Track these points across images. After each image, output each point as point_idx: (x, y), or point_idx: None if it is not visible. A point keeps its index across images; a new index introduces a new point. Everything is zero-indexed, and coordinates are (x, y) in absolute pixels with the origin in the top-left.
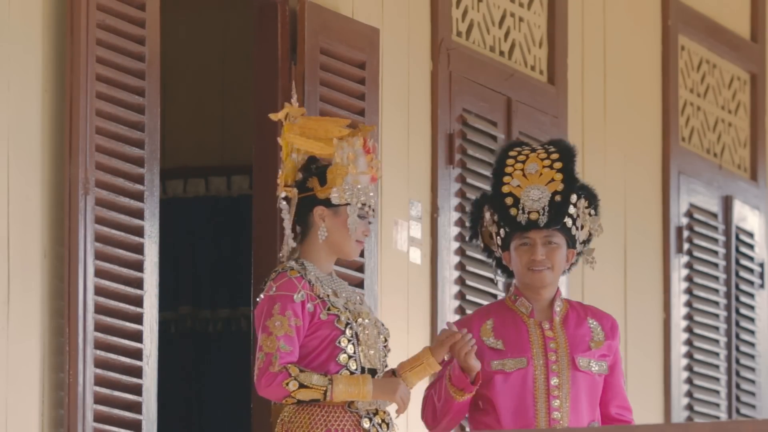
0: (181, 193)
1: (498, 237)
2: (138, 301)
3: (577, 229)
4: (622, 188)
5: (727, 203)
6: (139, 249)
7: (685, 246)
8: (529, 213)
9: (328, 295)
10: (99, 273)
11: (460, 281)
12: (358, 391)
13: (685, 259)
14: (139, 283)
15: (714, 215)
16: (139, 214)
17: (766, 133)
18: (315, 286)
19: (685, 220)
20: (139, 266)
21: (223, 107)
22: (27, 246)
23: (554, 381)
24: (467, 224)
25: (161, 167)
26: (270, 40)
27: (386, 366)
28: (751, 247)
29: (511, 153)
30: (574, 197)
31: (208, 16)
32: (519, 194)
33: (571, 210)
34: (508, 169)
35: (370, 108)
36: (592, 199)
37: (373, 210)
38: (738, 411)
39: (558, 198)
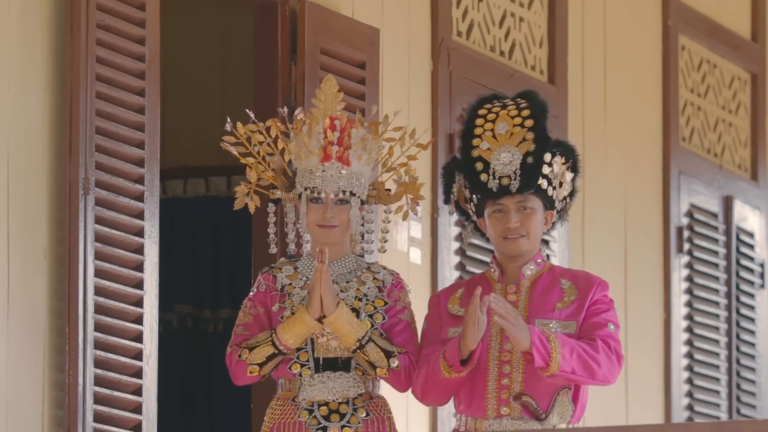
0: (181, 193)
1: (471, 203)
2: (138, 302)
3: (554, 188)
4: (622, 188)
5: (727, 203)
6: (139, 249)
7: (686, 246)
8: (500, 178)
9: (293, 287)
10: (99, 273)
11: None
12: (297, 322)
13: (685, 259)
14: (139, 284)
15: (714, 215)
16: (139, 215)
17: (766, 133)
18: (279, 278)
19: (685, 220)
20: (139, 266)
21: (223, 107)
22: (27, 246)
23: (508, 346)
24: (441, 189)
25: (161, 167)
26: (270, 40)
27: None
28: (751, 247)
29: (481, 111)
30: (548, 156)
31: (208, 16)
32: (489, 158)
33: (546, 170)
34: (478, 131)
35: (371, 107)
36: (569, 155)
37: (335, 192)
38: (738, 411)
39: (530, 160)
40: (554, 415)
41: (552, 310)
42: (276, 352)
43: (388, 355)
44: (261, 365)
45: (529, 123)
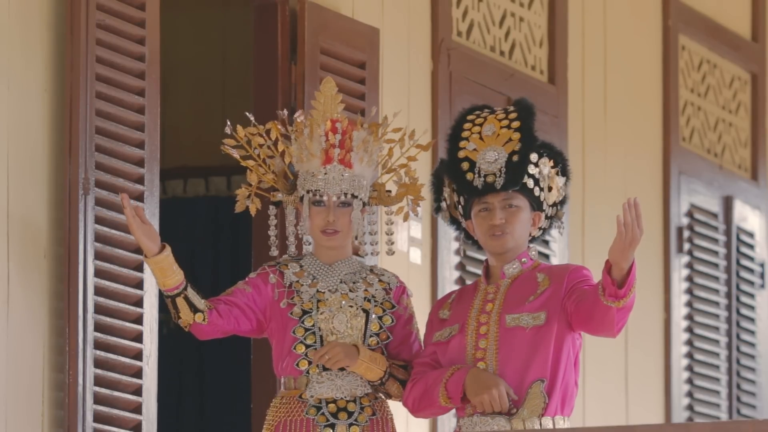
0: (181, 193)
1: (459, 205)
2: (138, 302)
3: (541, 190)
4: (622, 188)
5: (727, 203)
6: (139, 249)
7: (686, 246)
8: (485, 176)
9: (300, 284)
10: (99, 273)
11: (461, 281)
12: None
13: (685, 259)
14: (139, 284)
15: (714, 215)
16: None
17: (766, 133)
18: (286, 275)
19: (685, 220)
20: (139, 266)
21: (223, 107)
22: (27, 246)
23: (482, 343)
24: (432, 196)
25: (161, 167)
26: (270, 40)
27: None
28: (751, 247)
29: (469, 117)
30: (534, 156)
31: (208, 16)
32: (475, 158)
33: (532, 170)
34: (465, 134)
35: (370, 108)
36: (557, 159)
37: (337, 194)
38: (738, 411)
39: (515, 158)
40: (524, 408)
41: (523, 304)
42: (166, 297)
43: (404, 384)
44: (174, 313)
45: (515, 125)
